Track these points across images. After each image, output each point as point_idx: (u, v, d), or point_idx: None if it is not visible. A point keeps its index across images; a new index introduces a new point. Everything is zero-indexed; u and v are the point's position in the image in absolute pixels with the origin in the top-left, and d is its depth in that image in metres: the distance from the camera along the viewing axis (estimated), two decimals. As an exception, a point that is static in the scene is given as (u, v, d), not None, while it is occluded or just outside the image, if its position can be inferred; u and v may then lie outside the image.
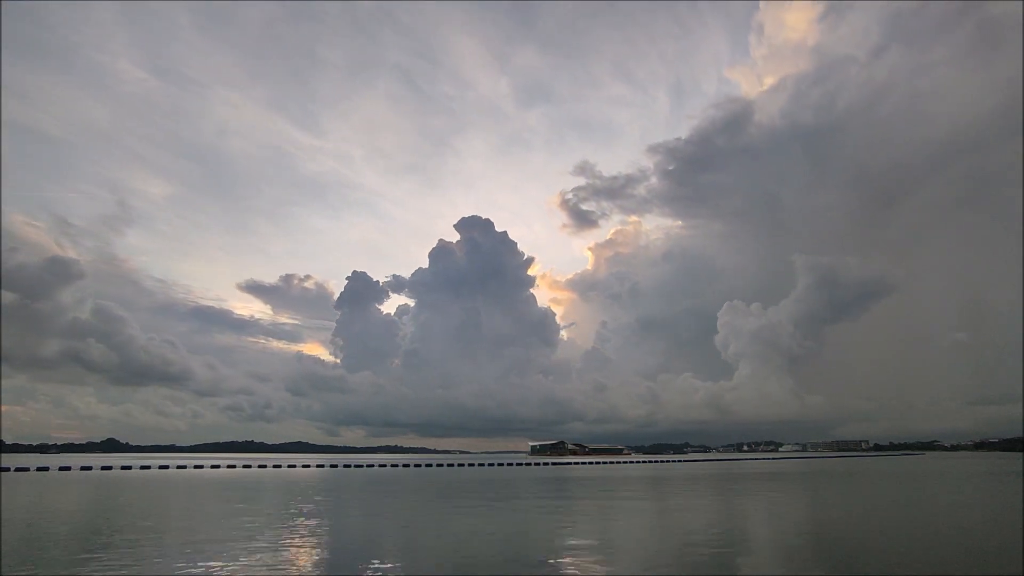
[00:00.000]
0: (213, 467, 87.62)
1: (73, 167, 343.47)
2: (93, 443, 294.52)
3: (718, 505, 28.86)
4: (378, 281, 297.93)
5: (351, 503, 31.25)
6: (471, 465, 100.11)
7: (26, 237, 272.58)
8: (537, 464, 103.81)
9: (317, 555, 15.56)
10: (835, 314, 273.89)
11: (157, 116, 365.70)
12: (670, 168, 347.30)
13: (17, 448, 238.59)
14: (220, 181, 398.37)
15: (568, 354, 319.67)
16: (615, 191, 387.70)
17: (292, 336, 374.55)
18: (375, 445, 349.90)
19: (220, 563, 14.18)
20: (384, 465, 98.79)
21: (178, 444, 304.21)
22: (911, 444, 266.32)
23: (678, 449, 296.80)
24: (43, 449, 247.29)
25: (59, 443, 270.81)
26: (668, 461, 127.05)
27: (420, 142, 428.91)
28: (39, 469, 73.41)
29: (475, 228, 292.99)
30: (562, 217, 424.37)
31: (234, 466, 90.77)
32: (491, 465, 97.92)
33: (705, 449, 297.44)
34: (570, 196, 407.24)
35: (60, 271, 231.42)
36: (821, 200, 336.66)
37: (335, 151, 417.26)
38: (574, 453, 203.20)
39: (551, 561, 14.54)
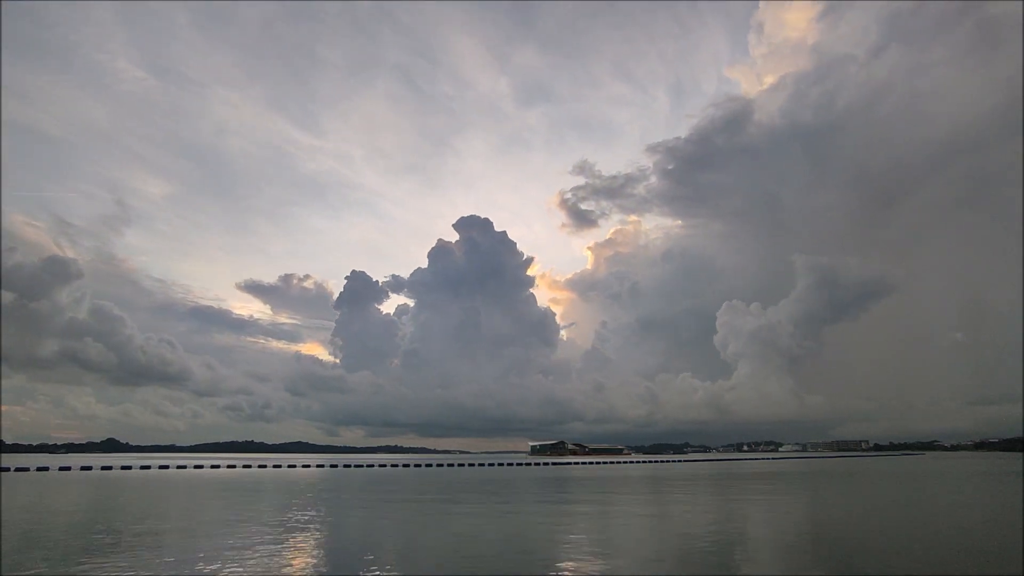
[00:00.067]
0: (213, 467, 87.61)
1: (72, 167, 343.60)
2: (93, 443, 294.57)
3: (718, 505, 28.86)
4: (377, 281, 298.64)
5: (351, 503, 31.23)
6: (471, 465, 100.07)
7: (25, 237, 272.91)
8: (537, 464, 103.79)
9: (317, 555, 15.56)
10: (835, 314, 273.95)
11: (156, 116, 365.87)
12: (670, 167, 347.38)
13: (17, 448, 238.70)
14: (219, 181, 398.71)
15: (568, 354, 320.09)
16: (615, 191, 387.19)
17: (291, 336, 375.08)
18: (375, 445, 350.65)
19: (220, 563, 14.18)
20: (384, 465, 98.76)
21: (178, 444, 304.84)
22: (911, 444, 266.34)
23: (678, 449, 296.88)
24: (48, 449, 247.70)
25: (59, 443, 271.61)
26: (668, 461, 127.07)
27: (420, 142, 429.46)
28: (39, 469, 73.40)
29: (474, 228, 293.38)
30: (561, 217, 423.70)
31: (234, 466, 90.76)
32: (491, 465, 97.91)
33: (705, 449, 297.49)
34: (569, 196, 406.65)
35: (58, 271, 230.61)
36: (821, 200, 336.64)
37: (335, 151, 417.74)
38: (574, 453, 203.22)
39: (551, 561, 14.54)
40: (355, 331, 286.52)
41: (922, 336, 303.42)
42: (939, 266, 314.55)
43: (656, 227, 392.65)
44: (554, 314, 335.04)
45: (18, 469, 71.96)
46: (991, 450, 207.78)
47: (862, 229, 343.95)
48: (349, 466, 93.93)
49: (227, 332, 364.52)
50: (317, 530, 20.30)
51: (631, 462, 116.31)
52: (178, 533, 19.76)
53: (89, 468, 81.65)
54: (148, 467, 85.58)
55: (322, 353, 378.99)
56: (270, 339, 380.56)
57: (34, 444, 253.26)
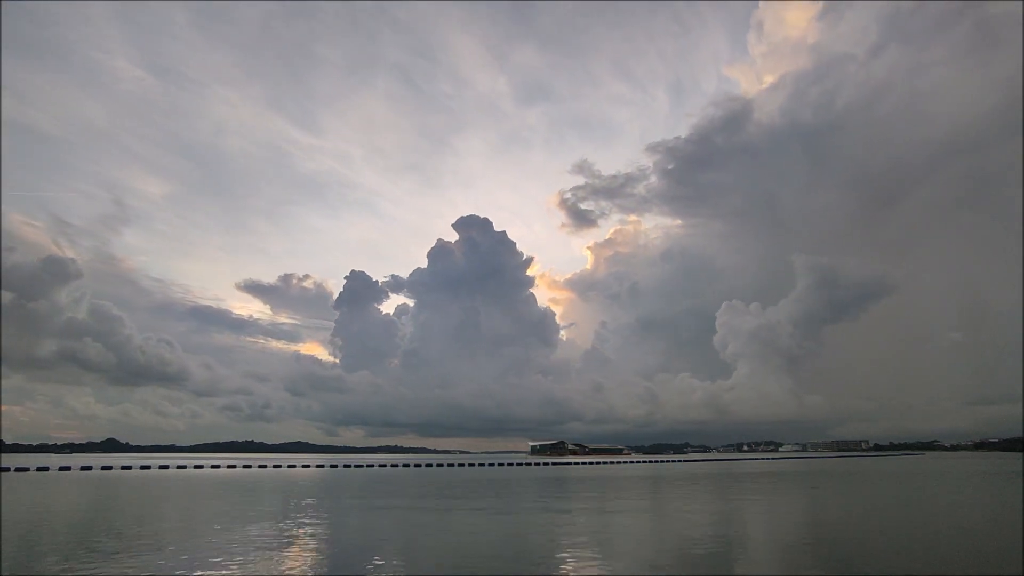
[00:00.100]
0: (213, 467, 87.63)
1: (70, 166, 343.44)
2: (93, 443, 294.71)
3: (718, 505, 28.85)
4: (377, 281, 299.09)
5: (351, 503, 31.24)
6: (471, 465, 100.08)
7: (23, 236, 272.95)
8: (537, 464, 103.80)
9: (317, 555, 15.56)
10: (834, 314, 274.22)
11: (155, 115, 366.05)
12: (669, 167, 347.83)
13: (17, 448, 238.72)
14: (218, 180, 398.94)
15: (567, 354, 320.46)
16: (614, 190, 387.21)
17: (291, 336, 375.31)
18: (374, 445, 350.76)
19: (219, 563, 14.18)
20: (384, 465, 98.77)
21: (178, 444, 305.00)
22: (911, 444, 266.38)
23: (678, 449, 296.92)
24: (48, 449, 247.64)
25: (59, 443, 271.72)
26: (668, 461, 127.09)
27: (419, 141, 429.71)
28: (39, 469, 73.39)
29: (474, 228, 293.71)
30: (561, 216, 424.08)
31: (234, 466, 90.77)
32: (491, 465, 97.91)
33: (705, 449, 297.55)
34: (569, 195, 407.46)
35: (57, 271, 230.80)
36: (820, 200, 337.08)
37: (334, 150, 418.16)
38: (574, 453, 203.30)
39: (551, 561, 14.54)
40: (355, 331, 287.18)
41: (922, 336, 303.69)
42: (938, 266, 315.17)
43: (656, 227, 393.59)
44: (554, 314, 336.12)
45: (18, 469, 71.97)
46: (991, 450, 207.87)
47: (862, 229, 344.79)
48: (349, 466, 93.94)
49: (226, 332, 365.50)
50: (317, 530, 20.30)
51: (631, 462, 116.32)
52: (178, 533, 19.76)
53: (89, 468, 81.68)
54: (148, 467, 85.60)
55: (322, 353, 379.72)
56: (270, 339, 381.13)
57: (34, 444, 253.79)
